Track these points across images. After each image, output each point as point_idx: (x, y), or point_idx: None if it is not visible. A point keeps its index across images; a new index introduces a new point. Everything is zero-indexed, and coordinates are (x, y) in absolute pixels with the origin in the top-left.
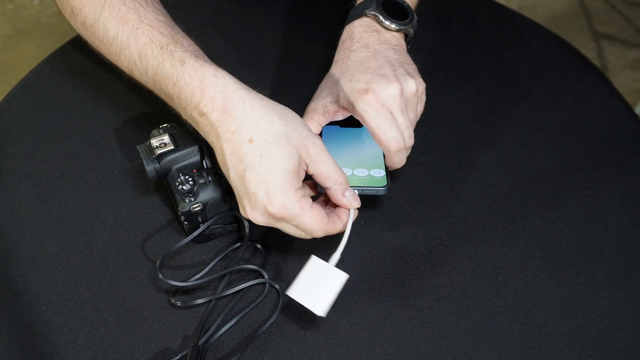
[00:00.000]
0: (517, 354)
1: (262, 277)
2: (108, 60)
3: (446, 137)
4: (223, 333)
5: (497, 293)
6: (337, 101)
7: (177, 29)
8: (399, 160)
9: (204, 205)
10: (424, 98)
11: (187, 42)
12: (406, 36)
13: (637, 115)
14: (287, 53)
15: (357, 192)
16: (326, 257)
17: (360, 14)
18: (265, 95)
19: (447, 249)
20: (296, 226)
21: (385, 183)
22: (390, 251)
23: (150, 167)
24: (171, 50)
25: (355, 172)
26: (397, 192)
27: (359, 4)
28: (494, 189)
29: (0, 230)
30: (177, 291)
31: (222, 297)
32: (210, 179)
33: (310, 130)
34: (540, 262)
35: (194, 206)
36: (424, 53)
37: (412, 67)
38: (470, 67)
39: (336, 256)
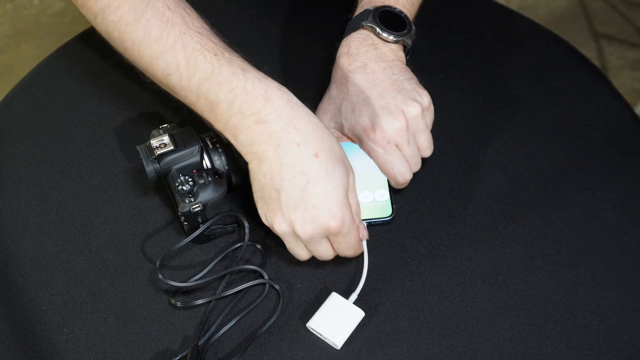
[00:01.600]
0: (517, 355)
1: (262, 277)
2: (132, 62)
3: (446, 137)
4: (223, 333)
5: (497, 293)
6: (340, 129)
7: (222, 38)
8: (404, 186)
9: (204, 205)
10: (431, 109)
11: (238, 54)
12: (404, 47)
13: (637, 115)
14: (287, 53)
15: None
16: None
17: (357, 27)
18: None
19: (447, 249)
20: (339, 243)
21: (390, 212)
22: (390, 251)
23: (150, 168)
24: (228, 58)
25: (361, 197)
26: (397, 191)
27: (356, 16)
28: (494, 189)
29: (0, 231)
30: (177, 292)
31: (222, 297)
32: (210, 179)
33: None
34: (540, 262)
35: (193, 207)
36: (424, 53)
37: (413, 83)
38: (470, 67)
39: (355, 294)
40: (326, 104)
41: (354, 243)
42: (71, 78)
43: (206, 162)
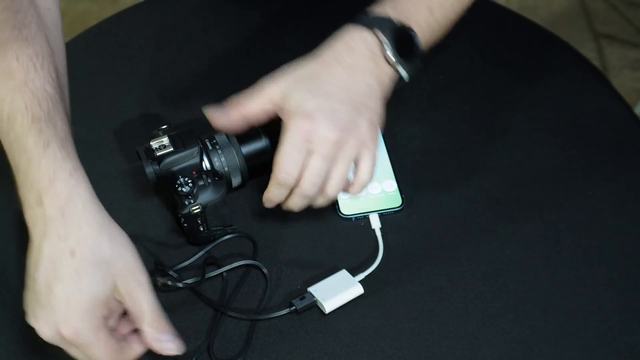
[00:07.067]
0: (518, 356)
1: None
2: None
3: (446, 137)
4: (223, 335)
5: (498, 295)
6: (280, 97)
7: (59, 106)
8: (277, 195)
9: (204, 207)
10: (368, 155)
11: (60, 125)
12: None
13: (637, 115)
14: (287, 53)
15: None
16: None
17: (370, 26)
18: None
19: (447, 250)
20: (83, 354)
21: (400, 202)
22: (390, 252)
23: (149, 169)
24: (41, 128)
25: (369, 188)
26: (401, 183)
27: (376, 16)
28: (494, 190)
29: None
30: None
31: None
32: (209, 180)
33: (139, 263)
34: (540, 263)
35: (193, 208)
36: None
37: (376, 118)
38: (470, 68)
39: (363, 275)
40: (292, 70)
41: (95, 357)
42: (70, 79)
43: (206, 164)
